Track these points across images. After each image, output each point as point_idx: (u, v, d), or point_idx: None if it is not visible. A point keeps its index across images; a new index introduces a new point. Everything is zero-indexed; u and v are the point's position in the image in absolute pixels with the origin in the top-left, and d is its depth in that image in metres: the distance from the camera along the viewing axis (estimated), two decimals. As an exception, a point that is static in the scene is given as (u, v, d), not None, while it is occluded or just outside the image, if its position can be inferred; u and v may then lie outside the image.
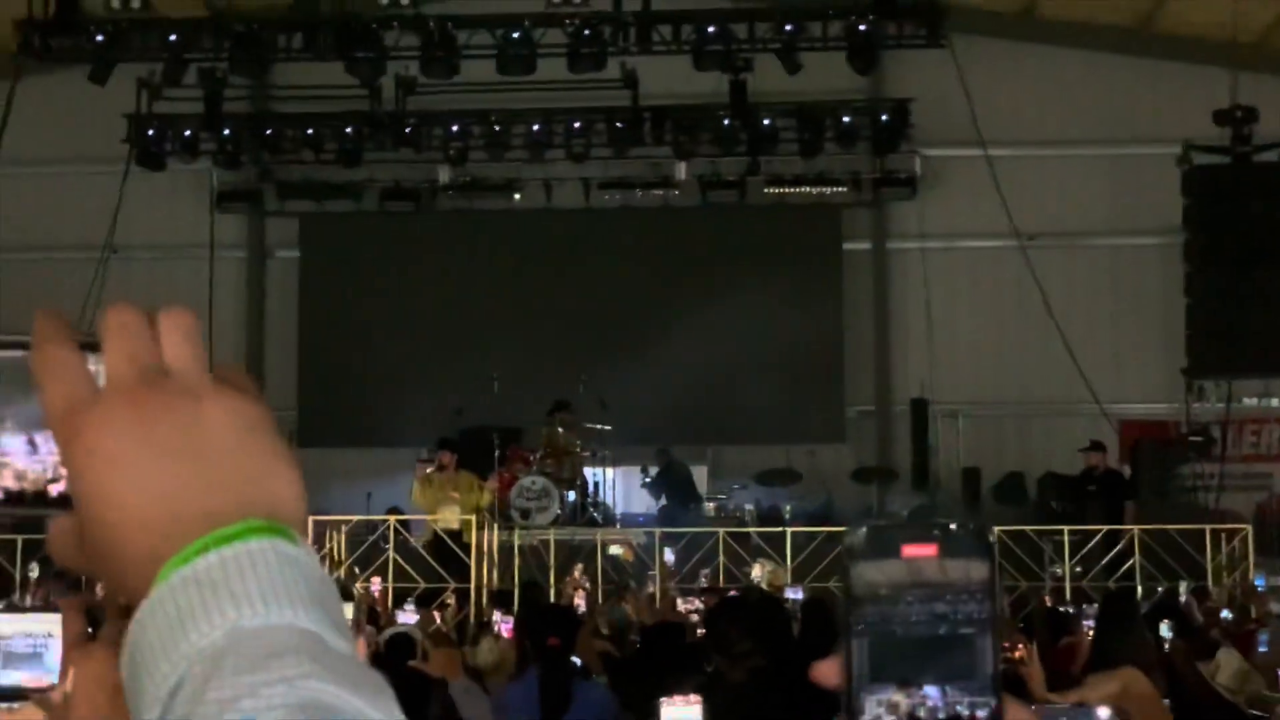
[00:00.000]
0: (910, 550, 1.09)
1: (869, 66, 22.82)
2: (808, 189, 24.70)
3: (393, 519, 18.48)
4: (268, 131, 24.36)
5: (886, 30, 22.21)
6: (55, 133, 24.82)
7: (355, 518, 18.83)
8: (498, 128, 23.88)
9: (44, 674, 3.11)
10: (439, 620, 14.36)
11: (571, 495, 19.74)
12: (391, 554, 17.71)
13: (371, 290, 25.15)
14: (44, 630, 3.22)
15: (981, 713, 1.04)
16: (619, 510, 21.47)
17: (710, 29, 22.23)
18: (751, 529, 19.94)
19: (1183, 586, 17.21)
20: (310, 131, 24.11)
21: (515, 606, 15.65)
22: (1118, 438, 23.03)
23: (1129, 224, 24.69)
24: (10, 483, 1.18)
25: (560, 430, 19.87)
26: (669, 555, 18.41)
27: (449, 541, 17.73)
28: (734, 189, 24.60)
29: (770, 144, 23.85)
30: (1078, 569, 18.54)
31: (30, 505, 1.17)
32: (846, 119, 23.71)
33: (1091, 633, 10.36)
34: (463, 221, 25.21)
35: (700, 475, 22.93)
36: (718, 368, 24.01)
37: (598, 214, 25.05)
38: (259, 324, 26.05)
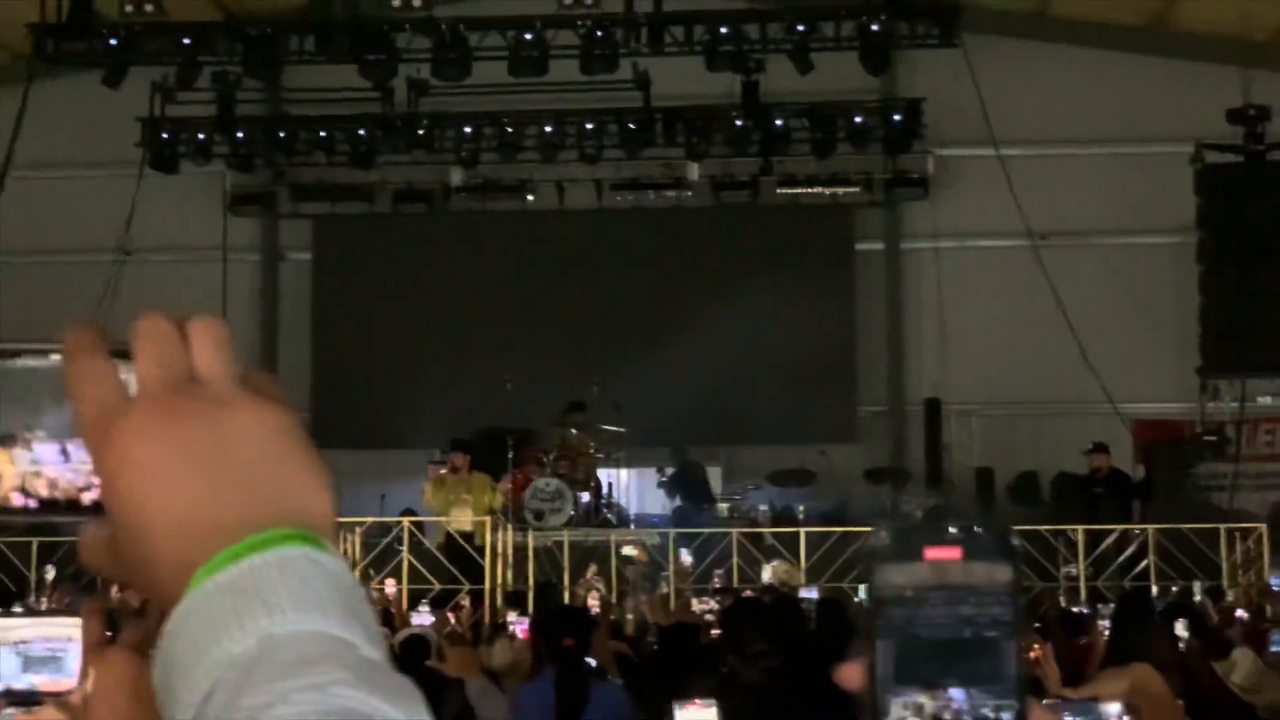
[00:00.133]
0: (933, 553, 1.10)
1: (881, 66, 22.81)
2: (820, 189, 24.69)
3: (407, 521, 18.49)
4: (281, 134, 24.40)
5: (899, 30, 22.20)
6: (69, 136, 24.87)
7: (369, 519, 18.84)
8: (510, 129, 23.90)
9: (64, 677, 3.13)
10: (454, 622, 14.39)
11: (585, 496, 19.75)
12: (406, 556, 17.73)
13: (384, 292, 25.18)
14: (63, 634, 3.23)
15: (1006, 715, 1.05)
16: (633, 511, 21.48)
17: (722, 30, 22.24)
18: (765, 529, 19.93)
19: (1197, 586, 17.19)
20: (323, 134, 24.16)
21: (530, 608, 15.67)
22: (1131, 437, 22.99)
23: (1142, 223, 24.65)
24: (43, 490, 1.19)
25: (573, 431, 19.89)
26: (686, 556, 18.41)
27: (462, 543, 17.74)
28: (746, 190, 24.60)
29: (783, 144, 23.85)
30: (1091, 569, 18.53)
31: (63, 513, 1.18)
32: (859, 119, 23.70)
33: (1107, 633, 10.36)
34: (475, 223, 25.22)
35: (714, 476, 22.92)
36: (731, 368, 23.99)
37: (610, 215, 25.06)
38: (272, 326, 26.08)
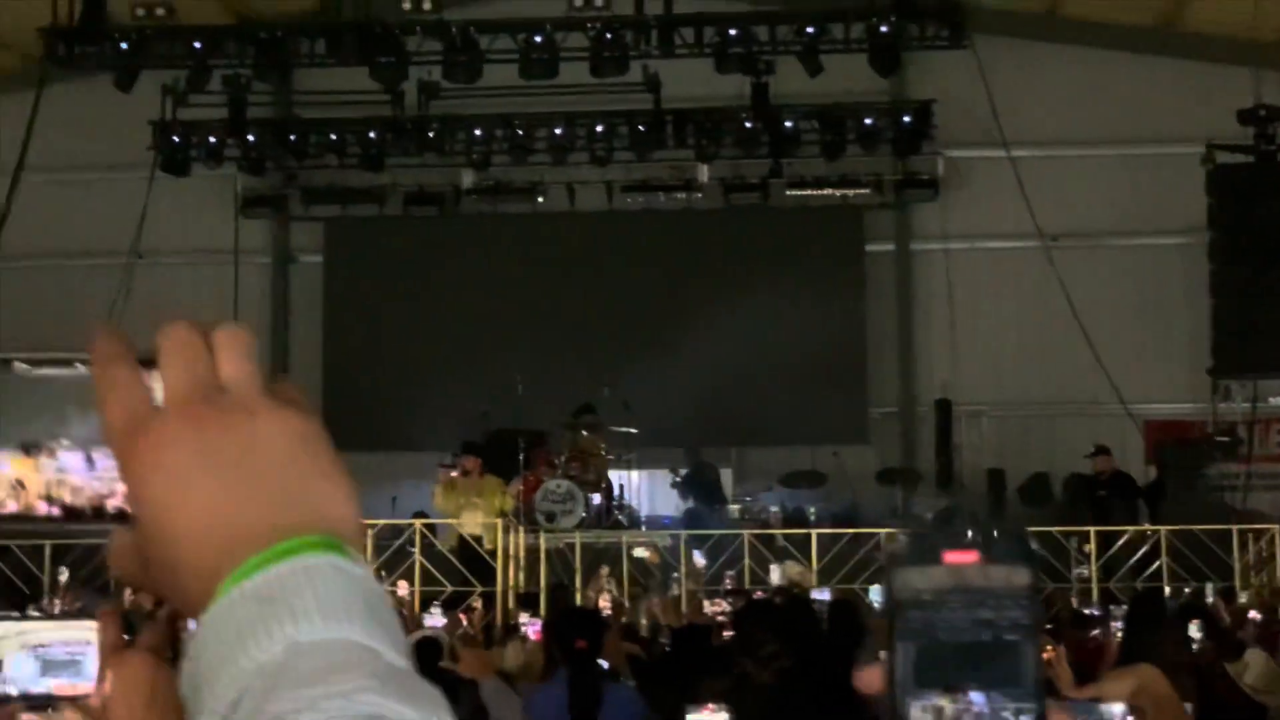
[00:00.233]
0: (951, 556, 1.10)
1: (891, 68, 22.80)
2: (830, 191, 24.68)
3: (418, 523, 18.50)
4: (292, 137, 24.43)
5: (908, 32, 22.19)
6: (81, 140, 24.90)
7: (381, 522, 18.85)
8: (520, 132, 23.92)
9: (82, 681, 3.14)
10: (466, 623, 14.40)
11: (596, 498, 19.75)
12: (418, 558, 17.75)
13: (395, 294, 25.19)
14: (81, 637, 3.25)
15: (1026, 719, 1.05)
16: (644, 513, 21.49)
17: (732, 32, 22.25)
18: (777, 531, 19.93)
19: (1209, 588, 17.17)
20: (334, 137, 24.19)
21: (542, 609, 15.68)
22: (1143, 438, 22.97)
23: (1152, 224, 24.62)
24: (68, 498, 1.20)
25: (584, 433, 19.89)
26: (700, 558, 18.41)
27: (474, 546, 17.76)
28: (756, 191, 24.60)
29: (792, 146, 23.86)
30: (1103, 570, 18.51)
31: (87, 520, 1.19)
32: (869, 121, 23.69)
33: (1119, 634, 10.36)
34: (486, 225, 25.24)
35: (725, 477, 22.93)
36: (741, 370, 23.99)
37: (621, 217, 25.07)
38: (284, 329, 26.11)
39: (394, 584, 16.73)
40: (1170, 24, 24.30)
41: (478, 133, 24.00)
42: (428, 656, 8.73)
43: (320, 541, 1.04)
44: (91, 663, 3.12)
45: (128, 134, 23.77)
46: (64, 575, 15.61)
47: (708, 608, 14.99)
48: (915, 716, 1.06)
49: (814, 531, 19.19)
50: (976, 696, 1.06)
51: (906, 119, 23.67)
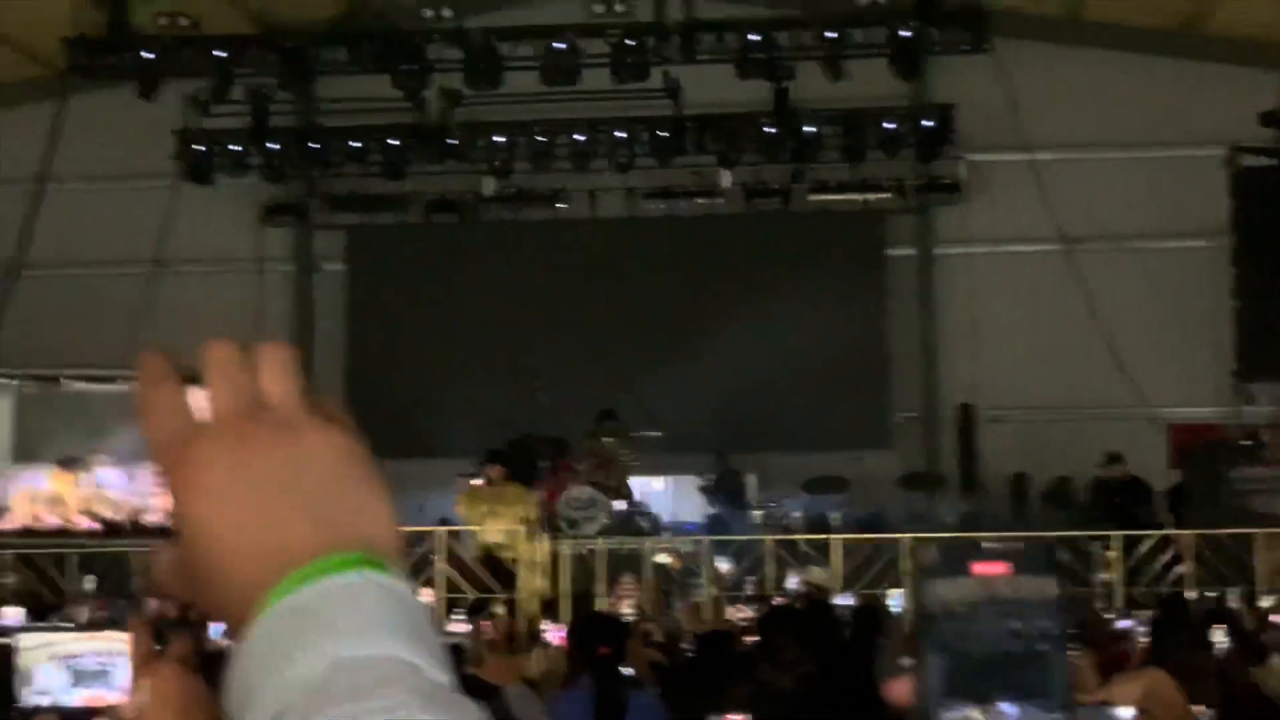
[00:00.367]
0: (981, 568, 1.11)
1: (913, 72, 22.79)
2: (852, 195, 24.68)
3: (442, 530, 18.53)
4: (314, 145, 24.50)
5: (930, 36, 22.17)
6: (105, 149, 24.99)
7: (406, 529, 18.84)
8: (542, 139, 23.94)
9: (113, 691, 3.15)
10: (489, 630, 14.41)
11: (619, 504, 19.76)
12: (442, 565, 17.77)
13: (418, 301, 25.24)
14: (111, 648, 3.26)
15: (1055, 729, 1.06)
16: (666, 519, 21.49)
17: (753, 37, 22.26)
18: (799, 536, 19.92)
19: (1233, 592, 17.11)
20: (356, 145, 24.24)
21: (565, 616, 15.70)
22: (1166, 442, 22.91)
23: (1175, 227, 24.54)
24: (107, 512, 1.22)
25: (607, 440, 19.90)
26: (725, 564, 18.41)
27: (497, 553, 17.79)
28: (778, 196, 24.60)
29: (814, 151, 23.84)
30: (1126, 575, 18.46)
31: (127, 535, 1.21)
32: (890, 125, 23.66)
33: (1144, 639, 10.34)
34: (508, 232, 25.27)
35: (748, 483, 22.91)
36: (763, 375, 23.97)
37: (642, 223, 25.08)
38: (307, 336, 26.15)
39: (417, 591, 16.75)
40: (1193, 26, 24.24)
41: (499, 140, 24.03)
42: (452, 662, 8.74)
43: (362, 558, 1.05)
44: (122, 673, 3.13)
45: (151, 143, 23.87)
46: (89, 584, 15.66)
47: (731, 613, 15.00)
48: (946, 727, 1.07)
49: (836, 537, 19.17)
50: (1007, 707, 1.07)
51: (928, 123, 23.64)
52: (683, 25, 22.26)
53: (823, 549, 18.80)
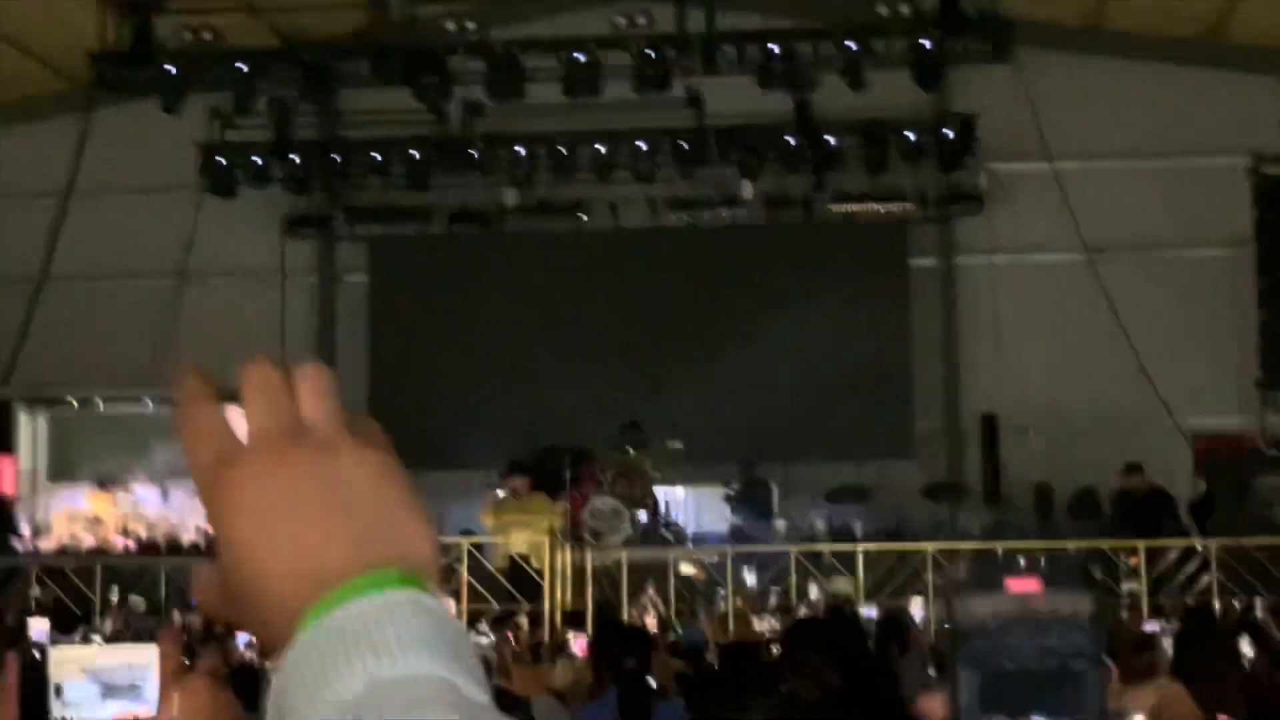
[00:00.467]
0: (1014, 583, 1.11)
1: (934, 83, 22.77)
2: (874, 206, 24.65)
3: (466, 541, 18.55)
4: (336, 157, 24.56)
5: (952, 46, 22.15)
6: (129, 162, 25.09)
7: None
8: (564, 150, 23.97)
9: (141, 705, 3.16)
10: (513, 641, 14.43)
11: (643, 515, 19.76)
12: (465, 576, 17.79)
13: (441, 313, 25.27)
14: (140, 661, 3.27)
15: (1092, 748, 1.06)
16: (690, 529, 21.48)
17: (775, 49, 22.26)
18: (823, 546, 19.90)
19: (1259, 602, 17.05)
20: (378, 157, 24.29)
21: (589, 627, 15.69)
22: (1191, 451, 22.83)
23: (1198, 236, 24.48)
24: (143, 532, 1.23)
25: (630, 450, 19.91)
26: (750, 577, 18.39)
27: (522, 564, 17.80)
28: (800, 207, 24.58)
29: (835, 161, 23.83)
30: (1151, 585, 18.41)
31: (163, 554, 1.22)
32: (912, 135, 23.64)
33: (1171, 650, 10.29)
34: (530, 243, 25.30)
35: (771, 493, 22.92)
36: (786, 386, 23.95)
37: (664, 234, 25.08)
38: (330, 348, 26.21)
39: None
40: (1215, 36, 24.19)
41: (521, 151, 24.06)
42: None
43: (401, 577, 1.06)
44: (151, 687, 3.15)
45: (174, 156, 23.96)
46: (115, 596, 15.70)
47: (756, 625, 14.99)
48: (980, 745, 1.06)
49: (860, 547, 19.15)
50: (1042, 725, 1.07)
51: (950, 133, 23.61)
52: (704, 37, 22.27)
53: (846, 559, 18.77)
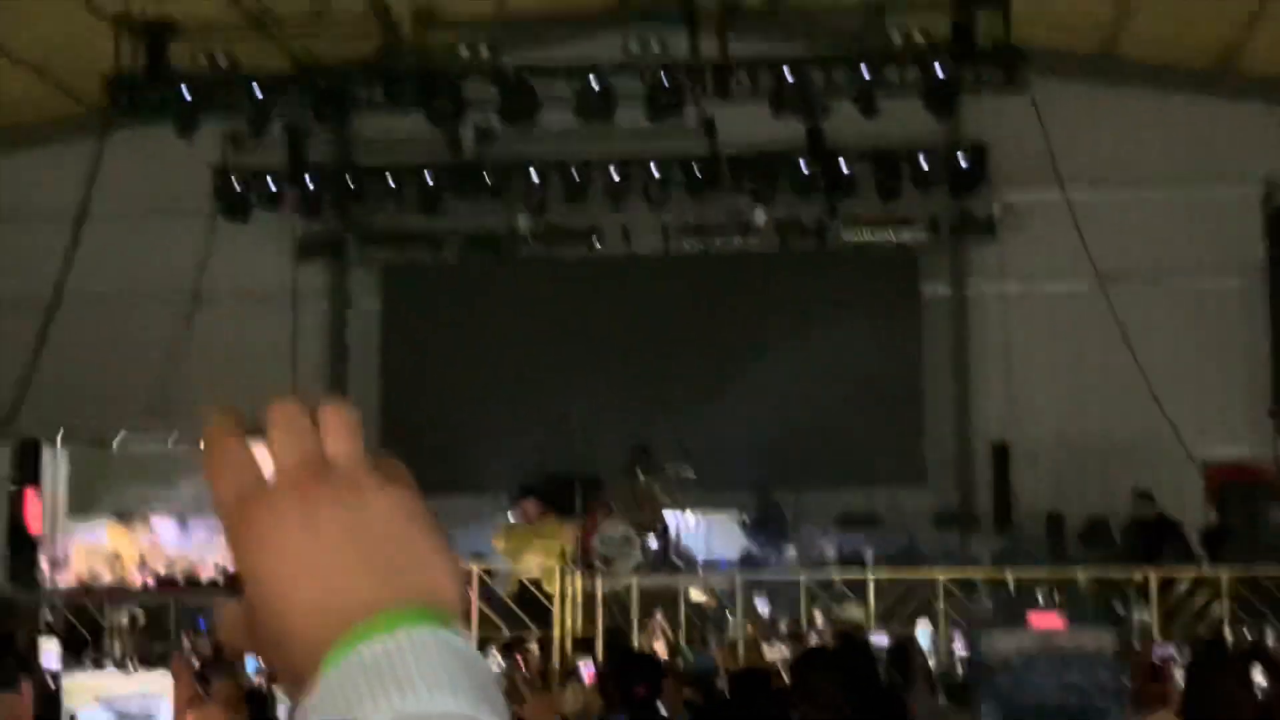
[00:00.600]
0: (1038, 619, 1.11)
1: (947, 111, 22.79)
2: (886, 233, 24.67)
3: (477, 567, 18.54)
4: (350, 182, 24.62)
5: (965, 74, 22.18)
6: (143, 185, 25.17)
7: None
8: (577, 176, 24.01)
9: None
10: (523, 666, 14.42)
11: (653, 542, 19.74)
12: (475, 601, 17.78)
13: (452, 338, 25.29)
14: (154, 689, 3.26)
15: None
16: (701, 556, 21.45)
17: (788, 75, 22.29)
18: (834, 574, 19.86)
19: (1270, 632, 17.01)
20: (391, 181, 24.34)
21: (599, 653, 15.68)
22: (1203, 481, 22.77)
23: (1211, 265, 24.47)
24: (161, 568, 1.23)
25: (641, 476, 19.90)
26: (763, 606, 18.34)
27: (533, 589, 17.79)
28: (812, 234, 24.60)
29: (848, 188, 23.86)
30: (1162, 615, 18.36)
31: (181, 589, 1.22)
32: (924, 163, 23.67)
33: (1182, 678, 10.27)
34: (543, 269, 25.33)
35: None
36: (797, 412, 23.94)
37: (677, 260, 25.11)
38: (341, 372, 26.25)
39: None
40: (1228, 66, 24.20)
41: (534, 177, 24.11)
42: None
43: (426, 614, 1.07)
44: (165, 715, 3.15)
45: (188, 179, 24.04)
46: (124, 619, 15.70)
47: (767, 652, 14.96)
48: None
49: (871, 574, 19.12)
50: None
51: (963, 161, 23.64)
52: (717, 63, 22.32)
53: (857, 586, 18.74)
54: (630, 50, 22.64)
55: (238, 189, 24.21)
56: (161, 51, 22.39)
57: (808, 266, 24.83)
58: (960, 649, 15.92)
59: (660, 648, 16.22)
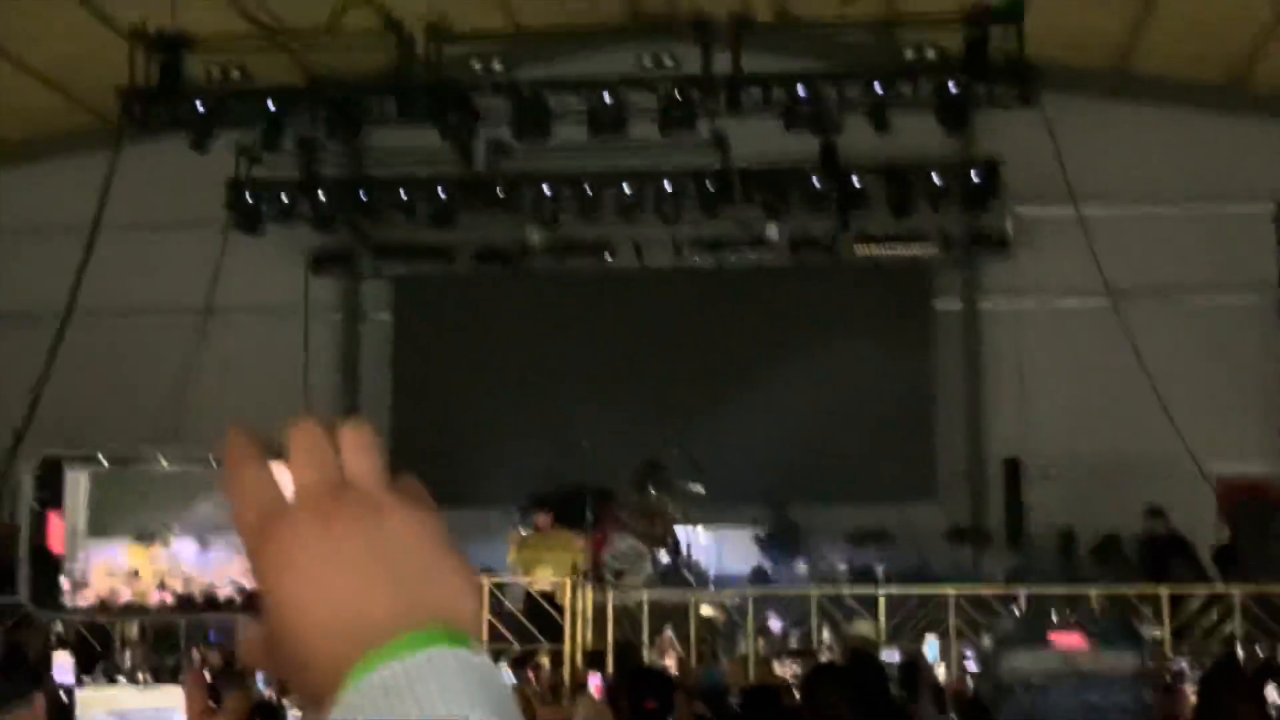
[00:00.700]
0: (1060, 639, 1.11)
1: (959, 126, 22.79)
2: (898, 248, 24.66)
3: (487, 581, 18.52)
4: (363, 195, 24.66)
5: (977, 89, 22.19)
6: (156, 198, 25.22)
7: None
8: (589, 190, 24.03)
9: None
10: (533, 681, 14.41)
11: (664, 556, 19.72)
12: (485, 615, 17.74)
13: (463, 351, 25.31)
14: (166, 704, 3.26)
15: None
16: (712, 571, 21.43)
17: (800, 90, 22.30)
18: (845, 589, 19.82)
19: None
20: (404, 195, 24.37)
21: (610, 668, 15.66)
22: (1215, 498, 22.73)
23: (1224, 282, 24.44)
24: (180, 587, 1.24)
25: (652, 491, 19.89)
26: (776, 623, 18.29)
27: (543, 602, 17.76)
28: (824, 249, 24.60)
29: (860, 203, 23.85)
30: (1168, 632, 18.30)
31: (200, 609, 1.23)
32: (937, 178, 23.66)
33: (1195, 696, 10.24)
34: (555, 283, 25.35)
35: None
36: (809, 428, 23.93)
37: (689, 274, 25.12)
38: (353, 385, 26.29)
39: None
40: (1242, 82, 24.20)
41: (547, 191, 24.12)
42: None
43: (444, 634, 1.07)
44: (177, 730, 3.15)
45: (201, 192, 24.07)
46: (134, 630, 15.71)
47: (777, 668, 14.93)
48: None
49: (882, 590, 19.08)
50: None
51: (975, 176, 23.63)
52: (730, 78, 22.33)
53: (868, 602, 18.70)
54: (643, 65, 22.66)
55: (250, 202, 24.24)
56: (175, 65, 22.43)
57: (820, 281, 24.83)
58: (972, 665, 15.89)
59: (671, 663, 16.18)
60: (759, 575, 21.19)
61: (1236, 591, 18.47)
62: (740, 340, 24.85)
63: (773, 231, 24.40)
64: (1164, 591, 18.48)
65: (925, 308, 25.47)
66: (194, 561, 1.20)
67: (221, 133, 23.08)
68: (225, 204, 24.14)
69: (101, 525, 1.21)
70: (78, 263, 22.10)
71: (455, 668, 1.06)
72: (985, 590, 19.01)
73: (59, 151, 25.58)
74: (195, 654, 14.89)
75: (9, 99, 24.26)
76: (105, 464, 1.18)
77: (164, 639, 15.42)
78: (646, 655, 17.02)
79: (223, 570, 1.21)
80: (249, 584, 1.16)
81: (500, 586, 18.54)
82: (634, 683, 8.88)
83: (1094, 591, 18.17)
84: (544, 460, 21.41)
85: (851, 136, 22.80)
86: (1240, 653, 17.08)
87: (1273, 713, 10.26)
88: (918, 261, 24.95)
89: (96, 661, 14.70)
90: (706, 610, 18.82)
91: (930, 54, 22.22)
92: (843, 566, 21.80)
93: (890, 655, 15.07)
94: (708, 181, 23.62)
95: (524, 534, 18.80)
